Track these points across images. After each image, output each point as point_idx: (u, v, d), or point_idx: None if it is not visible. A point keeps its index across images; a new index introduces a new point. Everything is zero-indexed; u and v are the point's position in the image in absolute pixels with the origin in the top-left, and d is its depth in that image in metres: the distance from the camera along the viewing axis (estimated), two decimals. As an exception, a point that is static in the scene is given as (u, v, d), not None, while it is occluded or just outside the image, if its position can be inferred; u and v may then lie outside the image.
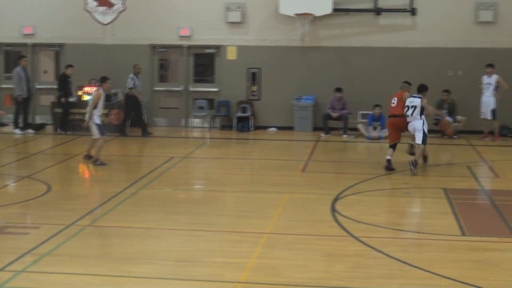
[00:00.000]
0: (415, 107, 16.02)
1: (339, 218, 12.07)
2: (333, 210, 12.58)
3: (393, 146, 16.47)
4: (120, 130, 21.06)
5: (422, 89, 16.46)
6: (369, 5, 21.94)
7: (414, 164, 15.78)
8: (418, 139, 16.01)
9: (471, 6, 21.56)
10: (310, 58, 22.38)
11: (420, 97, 16.17)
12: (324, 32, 22.24)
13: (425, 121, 16.12)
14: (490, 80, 20.59)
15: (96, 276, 9.15)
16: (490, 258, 10.16)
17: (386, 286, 8.98)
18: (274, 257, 10.06)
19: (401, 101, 16.46)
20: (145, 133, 21.38)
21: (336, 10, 21.69)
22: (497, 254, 10.34)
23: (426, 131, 16.05)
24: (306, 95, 22.32)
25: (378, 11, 21.88)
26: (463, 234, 11.33)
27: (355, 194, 13.95)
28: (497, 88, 20.53)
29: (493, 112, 20.53)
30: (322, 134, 21.43)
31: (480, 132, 20.85)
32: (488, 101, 20.61)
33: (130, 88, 21.43)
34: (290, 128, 22.35)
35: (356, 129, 21.50)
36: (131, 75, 21.55)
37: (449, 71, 21.84)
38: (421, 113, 15.97)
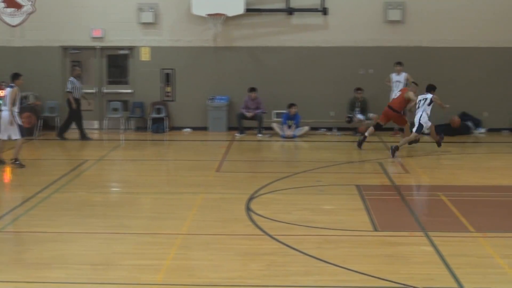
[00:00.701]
0: (426, 99, 17.93)
1: (254, 217, 12.15)
2: (248, 209, 12.66)
3: (376, 126, 18.54)
4: (31, 133, 20.68)
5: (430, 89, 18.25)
6: (281, 5, 22.14)
7: (395, 148, 17.69)
8: (414, 128, 18.02)
9: (380, 5, 22.01)
10: (224, 58, 22.45)
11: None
12: (236, 32, 22.35)
13: (424, 114, 17.80)
14: (399, 78, 21.07)
15: (7, 283, 8.98)
16: (401, 252, 10.41)
17: (301, 283, 9.10)
18: (189, 258, 10.08)
19: (402, 97, 18.43)
20: (84, 137, 21.00)
21: (248, 10, 21.82)
22: (407, 248, 10.59)
23: (423, 122, 17.83)
24: (220, 95, 22.38)
25: (290, 11, 22.11)
26: (375, 229, 11.57)
27: (270, 193, 14.06)
28: (406, 85, 21.00)
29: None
30: (237, 134, 21.53)
31: (391, 129, 21.30)
32: (398, 98, 21.05)
33: (68, 91, 20.99)
34: (205, 129, 22.38)
35: (270, 128, 21.67)
36: (71, 78, 21.14)
37: (360, 69, 22.23)
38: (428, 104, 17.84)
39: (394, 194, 14.39)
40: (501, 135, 21.54)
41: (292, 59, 22.33)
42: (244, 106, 21.77)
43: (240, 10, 21.67)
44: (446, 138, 20.72)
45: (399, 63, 21.08)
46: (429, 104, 17.89)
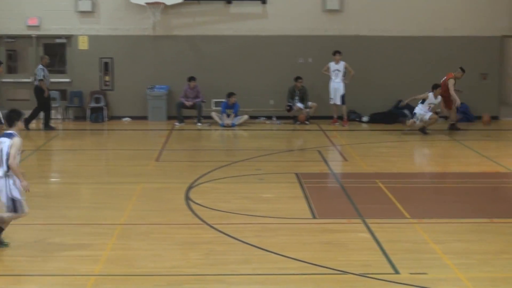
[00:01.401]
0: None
1: (193, 206, 12.17)
2: (187, 198, 12.68)
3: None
4: None
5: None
6: (220, -6, 22.13)
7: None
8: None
9: (318, -6, 22.16)
10: (163, 47, 22.34)
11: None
12: (176, 21, 22.25)
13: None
14: (338, 67, 21.24)
15: None
16: (339, 239, 10.55)
17: (240, 272, 9.16)
18: (128, 248, 10.06)
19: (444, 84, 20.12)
20: (48, 126, 20.66)
21: (186, -1, 21.76)
22: (345, 235, 10.75)
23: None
24: (159, 84, 22.27)
25: (228, 0, 22.08)
26: (314, 217, 11.70)
27: (209, 182, 14.09)
28: (345, 74, 21.22)
29: (342, 97, 21.22)
30: (176, 123, 21.47)
31: (330, 117, 21.50)
32: (337, 87, 21.26)
33: (40, 79, 20.53)
34: (144, 118, 22.23)
35: (210, 117, 21.65)
36: (40, 66, 20.69)
37: (300, 58, 22.35)
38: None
39: (332, 182, 14.59)
40: (437, 123, 21.87)
41: (231, 48, 22.33)
42: (184, 95, 21.71)
43: (179, -2, 21.59)
44: (382, 126, 21.08)
45: (337, 52, 21.26)
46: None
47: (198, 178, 14.27)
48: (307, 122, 21.52)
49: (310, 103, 21.68)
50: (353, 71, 21.18)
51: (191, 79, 21.63)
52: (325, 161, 16.26)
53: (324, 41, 22.14)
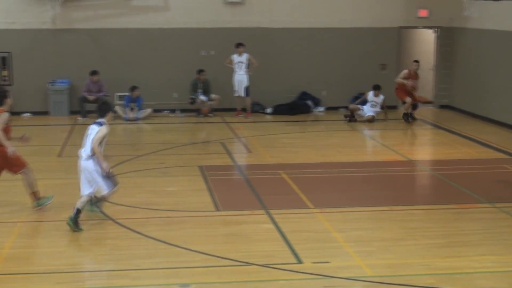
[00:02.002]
0: None
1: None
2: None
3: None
4: None
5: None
6: (121, -14, 21.90)
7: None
8: None
9: (220, -13, 22.19)
10: (63, 40, 21.94)
11: None
12: (76, 14, 21.87)
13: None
14: (241, 59, 21.32)
15: None
16: (242, 230, 10.65)
17: (143, 266, 9.14)
18: (29, 245, 9.91)
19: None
20: None
21: (87, -9, 21.44)
22: (249, 227, 10.85)
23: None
24: (61, 78, 21.86)
25: (130, -8, 21.90)
26: (218, 209, 11.77)
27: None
28: (248, 66, 21.33)
29: (246, 89, 21.33)
30: (79, 118, 21.15)
31: (234, 109, 21.59)
32: (241, 79, 21.35)
33: None
34: (46, 113, 21.81)
35: (113, 111, 21.39)
36: None
37: (202, 51, 22.33)
38: None
39: (236, 174, 14.67)
40: (339, 113, 22.26)
41: (133, 41, 22.13)
42: (86, 89, 21.39)
43: (79, -9, 21.25)
44: (286, 117, 21.31)
45: (240, 44, 21.35)
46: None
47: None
48: (210, 114, 21.55)
49: (213, 96, 21.72)
50: (256, 63, 21.32)
51: (94, 73, 21.34)
52: (229, 153, 16.34)
53: (226, 33, 22.19)
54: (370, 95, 20.94)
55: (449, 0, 22.29)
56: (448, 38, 22.91)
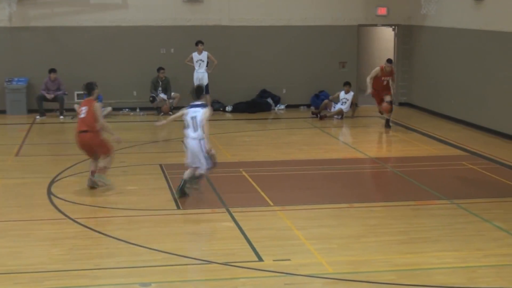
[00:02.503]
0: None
1: (56, 201, 11.96)
2: (50, 193, 12.43)
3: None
4: None
5: None
6: (79, -16, 21.69)
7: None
8: None
9: (180, -16, 22.11)
10: (20, 38, 21.67)
11: None
12: (33, 11, 21.63)
13: None
14: (201, 57, 21.27)
15: None
16: (203, 229, 10.65)
17: (103, 266, 9.07)
18: (-13, 246, 9.76)
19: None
20: None
21: (45, -11, 21.21)
22: (209, 225, 10.85)
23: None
24: (18, 76, 21.60)
25: (89, -10, 21.71)
26: (179, 208, 11.73)
27: (73, 176, 13.87)
28: (208, 64, 21.29)
29: (206, 87, 21.26)
30: (38, 116, 20.92)
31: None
32: (201, 77, 21.29)
33: None
34: (3, 112, 21.51)
35: (73, 110, 21.20)
36: None
37: (162, 49, 22.23)
38: None
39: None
40: (299, 111, 22.35)
41: (92, 39, 21.94)
42: (44, 88, 21.17)
43: (37, -12, 21.01)
44: (246, 115, 21.32)
45: (200, 42, 21.29)
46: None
47: (61, 172, 14.02)
48: (171, 113, 21.43)
49: (173, 94, 21.64)
50: (216, 61, 21.29)
51: (52, 71, 21.12)
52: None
53: (186, 31, 22.12)
54: (342, 93, 21.29)
55: (407, -2, 22.52)
56: (407, 36, 23.11)
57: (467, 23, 19.49)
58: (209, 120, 11.99)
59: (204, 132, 11.90)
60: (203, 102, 12.26)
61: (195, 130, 12.01)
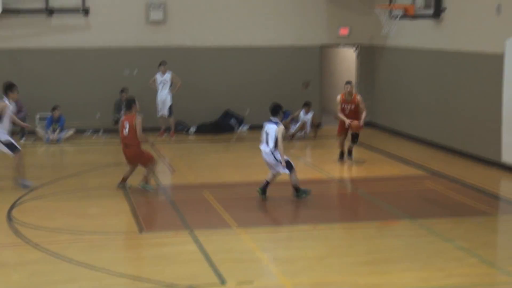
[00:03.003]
0: None
1: (16, 225, 11.80)
2: (9, 218, 12.27)
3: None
4: None
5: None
6: (40, 5, 21.49)
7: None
8: None
9: (142, 5, 22.02)
10: (-20, 61, 21.50)
11: None
12: (-7, 33, 21.49)
13: None
14: (165, 78, 21.24)
15: None
16: (166, 252, 10.56)
17: (65, 291, 8.97)
18: None
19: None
20: None
21: (4, 10, 20.95)
22: (173, 248, 10.76)
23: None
24: (-21, 99, 21.39)
25: (50, 11, 21.55)
26: (141, 231, 11.65)
27: (34, 199, 13.72)
28: (171, 85, 21.25)
29: (170, 108, 21.25)
30: (-3, 139, 20.68)
31: (157, 129, 21.45)
32: (165, 98, 21.26)
33: None
34: (-37, 135, 21.24)
35: (34, 133, 21.04)
36: None
37: (125, 70, 22.16)
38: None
39: (160, 194, 14.56)
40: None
41: (54, 60, 21.79)
42: (5, 110, 20.95)
43: (-3, 10, 20.81)
44: (210, 137, 21.31)
45: (163, 63, 21.27)
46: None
47: (21, 196, 13.85)
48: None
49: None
50: (179, 82, 21.28)
51: (12, 93, 20.90)
52: (153, 174, 16.19)
53: (149, 52, 22.09)
54: (301, 114, 21.42)
55: (368, 18, 22.72)
56: (369, 56, 23.31)
57: (427, 43, 19.72)
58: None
59: (276, 146, 13.27)
60: (277, 120, 13.48)
61: (268, 144, 13.39)
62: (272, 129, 13.35)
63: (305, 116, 21.32)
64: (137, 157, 14.38)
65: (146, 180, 14.39)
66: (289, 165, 13.38)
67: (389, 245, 11.01)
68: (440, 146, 19.06)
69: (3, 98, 14.97)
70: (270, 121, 13.52)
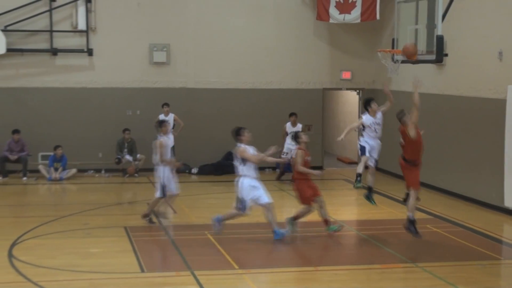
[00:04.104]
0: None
1: (17, 263, 11.77)
2: (10, 255, 12.23)
3: None
4: None
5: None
6: (45, 45, 21.68)
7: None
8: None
9: (145, 47, 22.19)
10: (-16, 99, 21.58)
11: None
12: (-3, 72, 21.61)
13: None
14: (168, 119, 21.24)
15: None
16: (167, 292, 10.51)
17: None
18: None
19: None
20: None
21: (9, 50, 21.11)
22: (173, 288, 10.73)
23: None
24: (-19, 137, 21.46)
25: (54, 51, 21.71)
26: (143, 271, 11.60)
27: (35, 238, 13.69)
28: (174, 126, 21.29)
29: (173, 149, 21.20)
30: (0, 177, 20.71)
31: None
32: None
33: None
34: (-35, 173, 21.28)
35: (37, 171, 21.06)
36: None
37: (128, 110, 22.24)
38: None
39: (162, 235, 14.51)
40: (264, 173, 22.35)
41: (57, 100, 21.89)
42: (7, 149, 21.00)
43: (1, 50, 20.92)
44: (212, 178, 21.29)
45: (165, 104, 21.35)
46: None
47: (22, 235, 13.83)
48: (136, 174, 21.38)
49: (139, 156, 21.59)
50: (182, 123, 21.35)
51: (15, 131, 21.00)
52: (154, 214, 16.16)
53: (152, 93, 22.21)
54: (288, 125, 21.05)
55: (371, 63, 22.86)
56: (371, 99, 23.35)
57: (429, 88, 19.80)
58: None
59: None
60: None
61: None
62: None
63: (293, 129, 20.51)
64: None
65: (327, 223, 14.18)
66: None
67: (391, 289, 10.95)
68: (442, 190, 19.03)
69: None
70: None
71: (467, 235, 14.44)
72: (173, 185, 15.16)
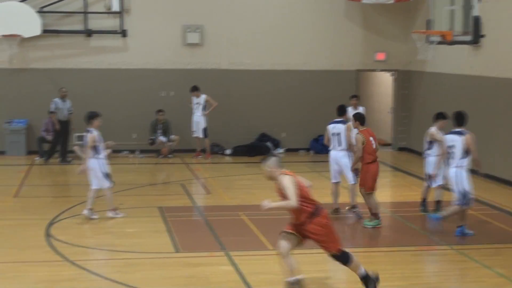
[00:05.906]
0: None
1: (54, 242, 11.89)
2: (48, 235, 12.36)
3: None
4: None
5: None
6: (79, 27, 21.79)
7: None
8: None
9: (179, 28, 22.19)
10: (20, 80, 21.75)
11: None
12: (33, 53, 21.74)
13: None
14: (199, 100, 21.33)
15: None
16: (201, 272, 10.55)
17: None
18: (-16, 289, 9.69)
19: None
20: (63, 159, 20.71)
21: (45, 31, 21.27)
22: (208, 268, 10.75)
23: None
24: (17, 118, 21.65)
25: (88, 32, 21.81)
26: (177, 251, 11.67)
27: (72, 217, 13.82)
28: (205, 107, 21.31)
29: (204, 130, 21.30)
30: (37, 158, 20.90)
31: (193, 150, 21.53)
32: (198, 120, 21.33)
33: (51, 112, 20.58)
34: (2, 153, 21.52)
35: (72, 152, 21.18)
36: (55, 98, 20.57)
37: (162, 91, 22.30)
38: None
39: (196, 215, 14.58)
40: (298, 155, 22.36)
41: (91, 81, 22.02)
42: (45, 129, 21.18)
43: (37, 31, 21.07)
44: (245, 159, 21.30)
45: (195, 89, 21.27)
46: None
47: (60, 214, 13.98)
48: (170, 155, 21.47)
49: (172, 136, 21.66)
50: (215, 103, 21.31)
51: (52, 112, 21.15)
52: (189, 195, 16.25)
53: (185, 74, 22.23)
54: (350, 110, 17.53)
55: (405, 44, 22.66)
56: (405, 81, 23.22)
57: (465, 69, 19.60)
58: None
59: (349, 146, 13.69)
60: (343, 119, 14.07)
61: (341, 144, 13.91)
62: (341, 128, 13.83)
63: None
64: None
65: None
66: (355, 174, 13.72)
67: (427, 271, 10.92)
68: (479, 172, 18.84)
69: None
70: (334, 122, 14.03)
71: (504, 218, 14.32)
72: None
